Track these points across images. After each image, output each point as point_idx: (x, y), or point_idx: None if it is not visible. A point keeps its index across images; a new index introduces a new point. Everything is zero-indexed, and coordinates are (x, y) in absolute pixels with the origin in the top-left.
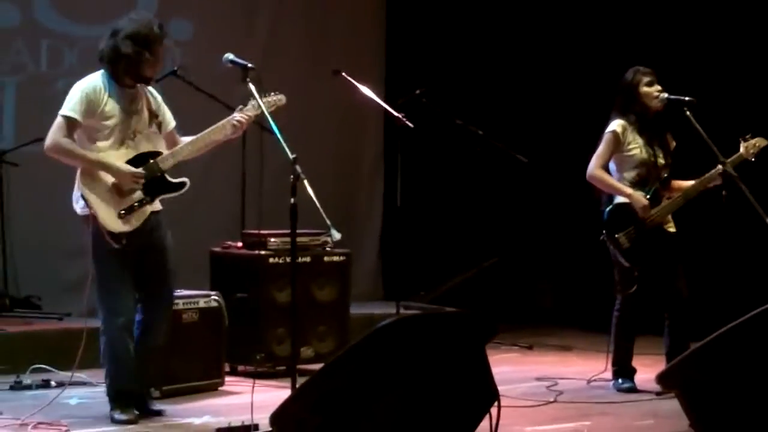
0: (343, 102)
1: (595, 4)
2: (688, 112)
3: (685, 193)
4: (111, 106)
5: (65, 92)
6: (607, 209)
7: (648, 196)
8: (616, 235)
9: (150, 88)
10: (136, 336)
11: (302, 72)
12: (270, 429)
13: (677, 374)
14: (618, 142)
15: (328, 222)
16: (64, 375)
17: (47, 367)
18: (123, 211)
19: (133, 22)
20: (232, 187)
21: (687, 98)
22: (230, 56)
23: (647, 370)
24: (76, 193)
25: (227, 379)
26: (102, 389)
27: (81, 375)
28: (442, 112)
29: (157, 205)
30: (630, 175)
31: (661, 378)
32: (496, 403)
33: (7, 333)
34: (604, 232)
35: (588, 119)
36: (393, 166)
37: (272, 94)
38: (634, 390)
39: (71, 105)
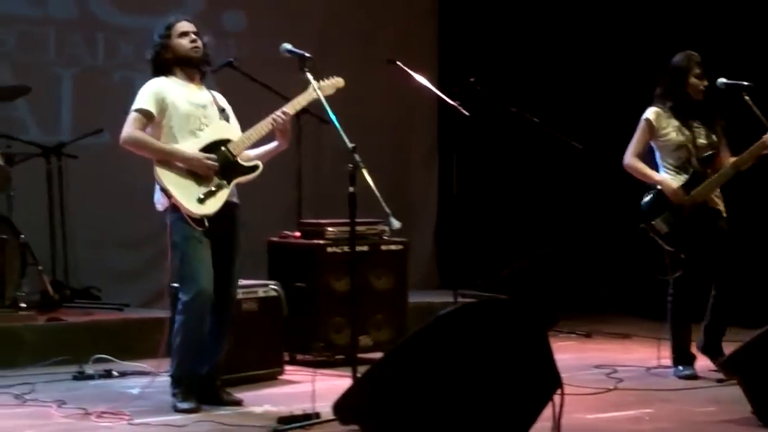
0: (398, 91)
1: None
2: (746, 97)
3: (735, 164)
4: (179, 100)
5: (121, 84)
6: (644, 198)
7: (686, 180)
8: (653, 222)
9: (217, 93)
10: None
11: (356, 61)
12: (332, 418)
13: (739, 361)
14: (652, 129)
15: (388, 210)
16: (126, 365)
17: (109, 357)
18: (202, 196)
19: (161, 22)
20: (289, 176)
21: (745, 83)
22: (287, 46)
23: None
24: (156, 189)
25: (286, 368)
26: (164, 379)
27: (142, 365)
28: (497, 100)
29: (234, 197)
30: (671, 159)
31: (723, 364)
32: (559, 390)
33: (68, 323)
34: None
35: (642, 105)
36: (448, 154)
37: (330, 77)
38: (694, 377)
39: (143, 99)
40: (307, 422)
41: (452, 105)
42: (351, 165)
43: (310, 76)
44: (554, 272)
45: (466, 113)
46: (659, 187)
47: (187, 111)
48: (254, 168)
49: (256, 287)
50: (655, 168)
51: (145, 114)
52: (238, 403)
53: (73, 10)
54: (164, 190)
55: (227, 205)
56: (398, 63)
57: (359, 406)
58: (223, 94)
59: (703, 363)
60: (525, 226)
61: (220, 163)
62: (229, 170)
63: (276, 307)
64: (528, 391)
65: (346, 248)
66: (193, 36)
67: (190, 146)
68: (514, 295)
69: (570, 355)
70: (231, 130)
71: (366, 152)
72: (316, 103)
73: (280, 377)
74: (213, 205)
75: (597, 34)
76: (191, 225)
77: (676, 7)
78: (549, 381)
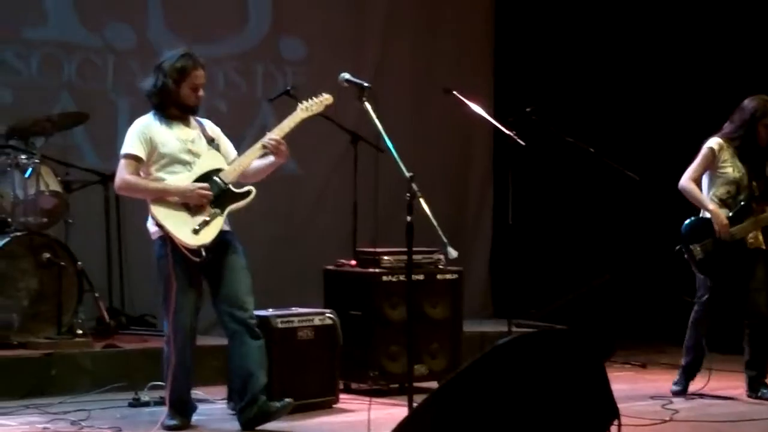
0: (453, 120)
1: (707, 24)
2: None
3: None
4: (166, 138)
5: None
6: (687, 222)
7: (731, 215)
8: (691, 246)
9: (207, 121)
10: (234, 348)
11: (412, 91)
12: None
13: None
14: (714, 158)
15: (445, 240)
16: None
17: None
18: (197, 227)
19: (170, 57)
20: (345, 205)
21: None
22: (346, 75)
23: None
24: (149, 220)
25: (341, 396)
26: (220, 405)
27: (197, 392)
28: (552, 130)
29: (226, 225)
30: (719, 191)
31: None
32: (615, 422)
33: (124, 350)
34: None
35: (699, 136)
36: (503, 183)
37: (318, 95)
38: (680, 393)
39: (130, 144)
40: None
41: (508, 134)
42: (408, 194)
43: (368, 106)
44: (608, 302)
45: (522, 143)
46: (708, 215)
47: (176, 148)
48: (247, 194)
49: (312, 315)
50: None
51: (135, 158)
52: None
53: (131, 39)
54: (159, 225)
55: (221, 233)
56: (454, 92)
57: None
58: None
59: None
60: (579, 256)
61: (213, 192)
62: (223, 199)
63: (331, 335)
64: (585, 422)
65: (401, 277)
66: (201, 90)
67: (182, 179)
68: (570, 325)
69: (625, 385)
70: (220, 158)
71: (421, 181)
72: (373, 131)
73: (335, 405)
74: (208, 235)
75: (652, 64)
76: (187, 256)
77: (733, 41)
78: (606, 412)
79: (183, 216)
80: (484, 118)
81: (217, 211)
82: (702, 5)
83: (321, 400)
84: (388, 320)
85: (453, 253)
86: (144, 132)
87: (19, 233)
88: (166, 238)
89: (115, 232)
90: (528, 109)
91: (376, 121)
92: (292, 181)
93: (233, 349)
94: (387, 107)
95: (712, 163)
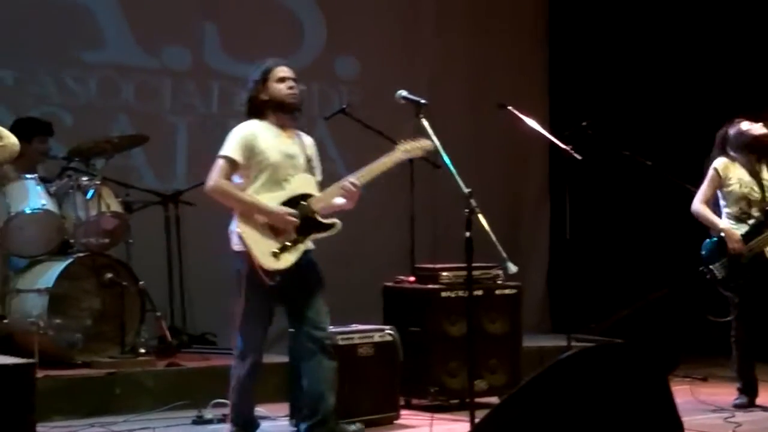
0: (508, 135)
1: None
2: None
3: None
4: (270, 149)
5: None
6: (705, 243)
7: (745, 231)
8: (711, 266)
9: (308, 137)
10: (308, 368)
11: (467, 106)
12: None
13: None
14: (719, 178)
15: (504, 255)
16: None
17: (227, 401)
18: (277, 250)
19: (259, 66)
20: (403, 221)
21: None
22: (403, 92)
23: None
24: (232, 230)
25: (402, 412)
26: (281, 423)
27: (260, 409)
28: (609, 143)
29: (309, 244)
30: (733, 209)
31: None
32: None
33: (187, 368)
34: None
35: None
36: (560, 198)
37: (418, 139)
38: (744, 405)
39: (230, 146)
40: None
41: (564, 149)
42: (467, 209)
43: (425, 123)
44: (667, 316)
45: (579, 157)
46: (722, 234)
47: (277, 161)
48: (332, 225)
49: (371, 332)
50: (720, 215)
51: (231, 162)
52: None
53: (187, 60)
54: (241, 238)
55: (302, 253)
56: (509, 107)
57: None
58: (335, 141)
59: None
60: (637, 270)
61: (299, 218)
62: (308, 226)
63: (391, 351)
64: None
65: (460, 293)
66: (291, 82)
67: (273, 198)
68: (630, 339)
69: (686, 399)
70: (312, 183)
71: (478, 196)
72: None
73: (395, 422)
74: (288, 260)
75: (708, 77)
76: (262, 279)
77: None
78: (670, 427)
79: (266, 236)
80: (540, 133)
81: (301, 237)
82: (760, 19)
83: (382, 416)
84: (447, 336)
85: (513, 268)
86: (247, 137)
87: (81, 254)
88: (245, 254)
89: (175, 252)
90: (584, 123)
91: (434, 138)
92: None
93: (307, 368)
94: (442, 123)
95: (719, 183)
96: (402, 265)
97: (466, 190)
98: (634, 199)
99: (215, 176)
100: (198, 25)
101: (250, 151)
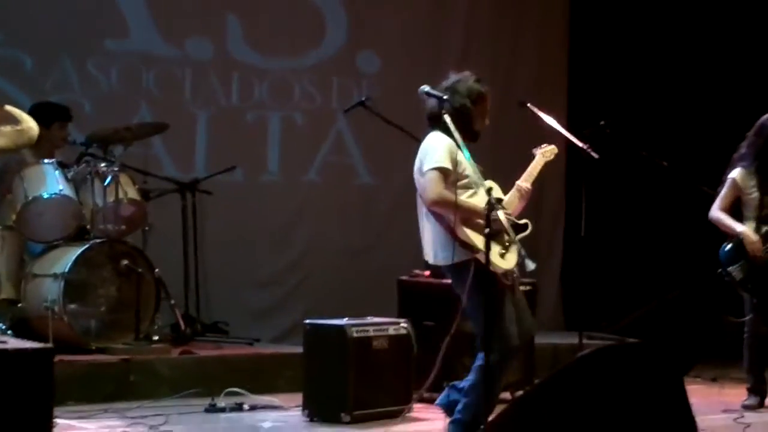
0: (528, 133)
1: None
2: None
3: None
4: (464, 159)
5: (254, 124)
6: (723, 246)
7: (765, 232)
8: (729, 269)
9: None
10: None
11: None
12: None
13: None
14: (738, 187)
15: (523, 252)
16: (257, 398)
17: (240, 390)
18: (503, 251)
19: (463, 80)
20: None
21: None
22: (426, 88)
23: None
24: (447, 244)
25: (415, 405)
26: (294, 413)
27: (273, 399)
28: (627, 143)
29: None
30: (753, 213)
31: None
32: None
33: (201, 357)
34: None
35: None
36: (577, 196)
37: (546, 145)
38: (754, 407)
39: (439, 157)
40: None
41: (582, 148)
42: (486, 205)
43: (447, 119)
44: (680, 316)
45: (596, 156)
46: (741, 237)
47: (470, 169)
48: (527, 225)
49: (386, 325)
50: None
51: (445, 172)
52: None
53: (209, 51)
54: (472, 247)
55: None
56: (529, 105)
57: None
58: (354, 134)
59: None
60: (652, 270)
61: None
62: (515, 228)
63: (406, 344)
64: None
65: None
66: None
67: (480, 201)
68: (643, 339)
69: (697, 399)
70: (498, 188)
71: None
72: None
73: (408, 415)
74: (512, 260)
75: (726, 78)
76: (498, 281)
77: None
78: (685, 427)
79: (484, 240)
80: (558, 131)
81: (513, 237)
82: None
83: (395, 409)
84: (461, 331)
85: (531, 265)
86: (452, 150)
87: (98, 241)
88: (471, 261)
89: (191, 240)
90: (602, 123)
91: (455, 133)
92: (368, 191)
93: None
94: None
95: (739, 191)
96: (418, 259)
97: (486, 186)
98: (649, 200)
99: (436, 188)
100: (221, 16)
101: (455, 161)
